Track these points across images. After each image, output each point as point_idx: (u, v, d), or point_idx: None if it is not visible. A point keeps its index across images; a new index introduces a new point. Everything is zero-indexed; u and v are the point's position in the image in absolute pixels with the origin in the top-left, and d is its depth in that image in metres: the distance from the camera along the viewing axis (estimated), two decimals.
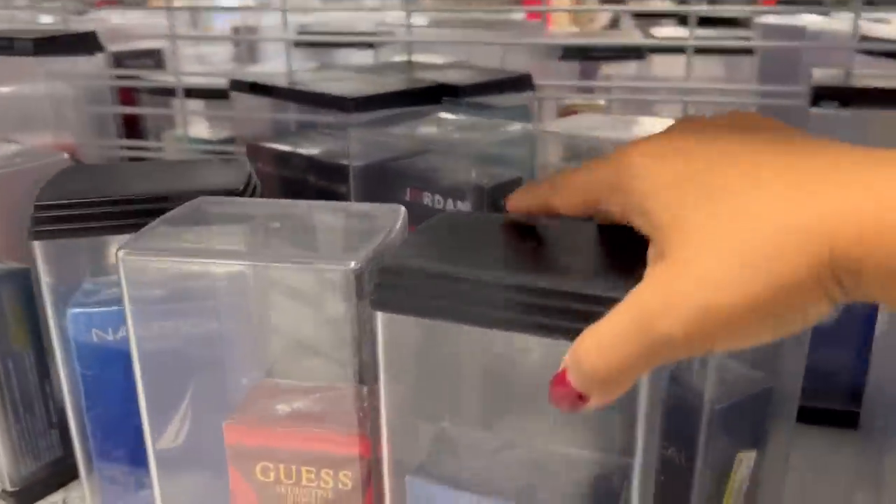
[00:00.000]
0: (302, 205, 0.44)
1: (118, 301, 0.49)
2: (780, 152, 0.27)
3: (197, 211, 0.43)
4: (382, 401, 0.35)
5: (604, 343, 0.27)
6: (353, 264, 0.35)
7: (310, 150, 0.74)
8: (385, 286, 0.33)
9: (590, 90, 1.07)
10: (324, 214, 0.44)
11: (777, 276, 0.24)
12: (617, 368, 0.27)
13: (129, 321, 0.39)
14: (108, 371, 0.50)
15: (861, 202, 0.24)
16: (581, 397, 0.28)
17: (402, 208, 0.43)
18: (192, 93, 1.02)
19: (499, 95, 0.79)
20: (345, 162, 0.67)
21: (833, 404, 0.62)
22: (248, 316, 0.44)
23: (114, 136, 0.86)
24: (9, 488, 0.57)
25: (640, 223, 0.30)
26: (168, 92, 1.12)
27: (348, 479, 0.42)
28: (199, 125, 1.11)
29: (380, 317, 0.33)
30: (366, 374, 0.38)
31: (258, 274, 0.39)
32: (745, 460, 0.42)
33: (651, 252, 0.30)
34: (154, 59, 1.25)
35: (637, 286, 0.27)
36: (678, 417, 0.40)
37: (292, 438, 0.42)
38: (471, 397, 0.40)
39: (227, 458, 0.43)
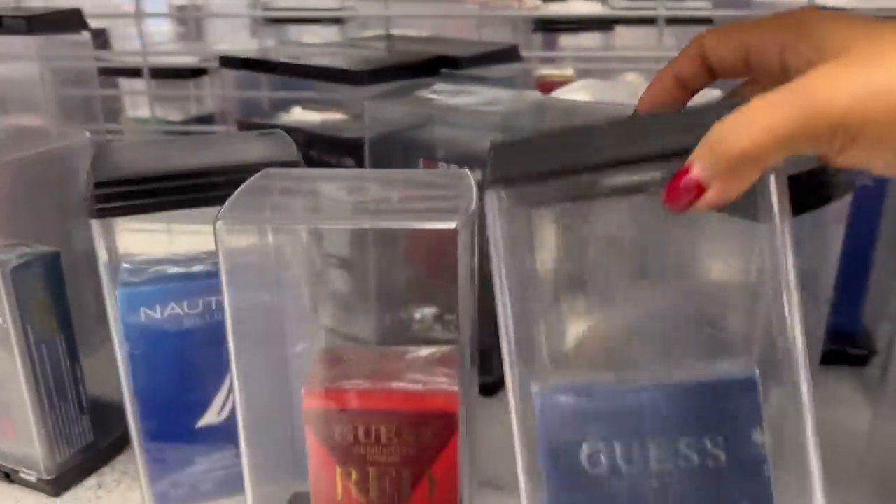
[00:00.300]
0: (368, 173, 0.45)
1: (164, 280, 0.50)
2: None
3: (269, 181, 0.43)
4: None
5: (756, 116, 0.28)
6: (459, 222, 0.37)
7: (310, 125, 0.74)
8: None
9: (581, 59, 1.09)
10: (395, 181, 0.45)
11: None
12: (758, 148, 0.27)
13: (226, 292, 0.38)
14: (157, 350, 0.50)
15: None
16: (700, 188, 0.29)
17: (468, 172, 0.44)
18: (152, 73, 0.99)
19: (490, 67, 0.81)
20: (358, 135, 0.67)
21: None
22: (345, 278, 0.45)
23: (97, 118, 0.83)
24: (45, 476, 0.56)
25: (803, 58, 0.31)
26: (117, 72, 1.09)
27: (427, 435, 0.44)
28: (146, 107, 1.08)
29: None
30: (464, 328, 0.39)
31: (358, 236, 0.39)
32: None
33: None
34: (100, 39, 1.21)
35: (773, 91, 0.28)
36: None
37: (371, 399, 0.44)
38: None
39: (305, 422, 0.44)
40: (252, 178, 0.42)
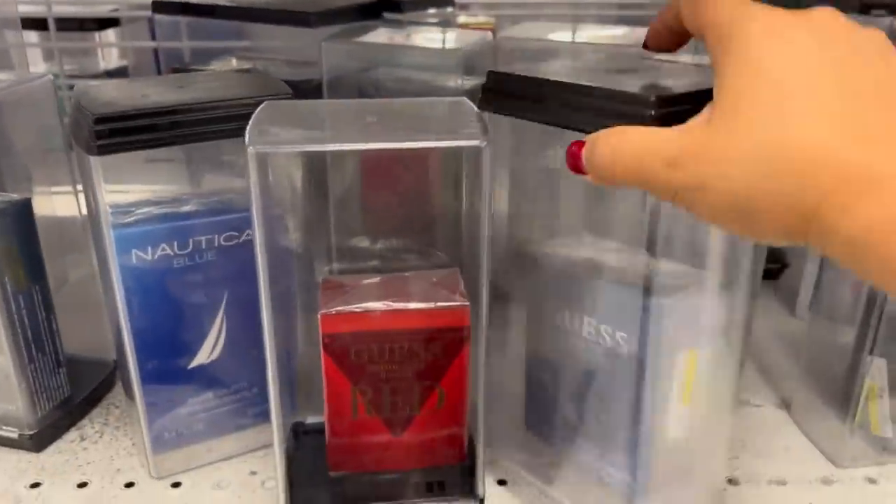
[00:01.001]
0: (368, 104, 0.46)
1: (154, 220, 0.50)
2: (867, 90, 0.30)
3: (275, 113, 0.44)
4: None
5: (616, 149, 0.34)
6: (484, 140, 0.40)
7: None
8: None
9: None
10: (401, 107, 0.47)
11: (763, 202, 0.30)
12: (610, 170, 0.34)
13: (257, 220, 0.39)
14: (149, 292, 0.50)
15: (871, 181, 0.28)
16: (581, 169, 0.36)
17: (466, 99, 0.46)
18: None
19: (426, 11, 0.83)
20: (315, 77, 0.68)
21: None
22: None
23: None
24: (26, 432, 0.55)
25: (712, 58, 0.34)
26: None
27: (438, 349, 0.47)
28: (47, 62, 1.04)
29: None
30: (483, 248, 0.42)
31: (381, 157, 0.41)
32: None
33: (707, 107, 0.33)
34: None
35: (672, 128, 0.33)
36: None
37: (385, 319, 0.46)
38: None
39: (322, 347, 0.46)
40: (258, 110, 0.43)
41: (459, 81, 0.64)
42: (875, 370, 0.52)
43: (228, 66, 0.79)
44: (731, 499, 0.52)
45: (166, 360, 0.52)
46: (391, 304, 0.46)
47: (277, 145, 0.38)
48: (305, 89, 0.70)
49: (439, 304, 0.46)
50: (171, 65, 0.85)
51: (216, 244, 0.50)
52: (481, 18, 1.15)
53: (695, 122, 0.33)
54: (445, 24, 0.84)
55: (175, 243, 0.50)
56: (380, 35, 0.70)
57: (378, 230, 0.52)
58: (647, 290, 0.43)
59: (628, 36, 0.74)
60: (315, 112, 0.45)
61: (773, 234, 0.31)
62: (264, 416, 0.51)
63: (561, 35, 0.71)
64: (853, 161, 0.28)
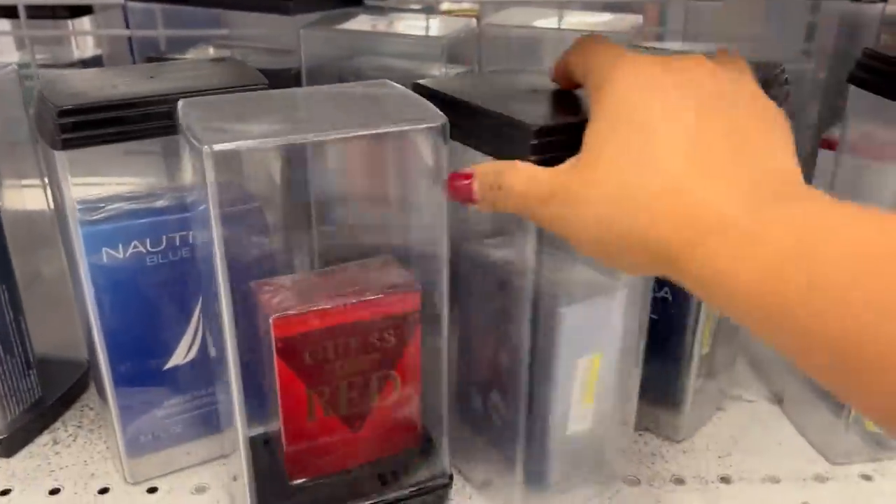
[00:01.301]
0: (324, 89, 0.45)
1: (125, 217, 0.48)
2: (721, 142, 0.32)
3: (236, 103, 0.42)
4: None
5: (503, 183, 0.37)
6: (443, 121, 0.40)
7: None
8: None
9: None
10: (350, 93, 0.45)
11: (618, 241, 0.32)
12: (501, 204, 0.37)
13: (214, 221, 0.38)
14: (121, 291, 0.48)
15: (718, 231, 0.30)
16: (471, 198, 0.39)
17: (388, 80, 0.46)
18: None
19: None
20: (294, 65, 0.66)
21: None
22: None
23: None
24: None
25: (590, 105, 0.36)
26: None
27: (392, 336, 0.46)
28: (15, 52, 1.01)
29: None
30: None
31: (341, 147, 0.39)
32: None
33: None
34: None
35: (551, 168, 0.36)
36: None
37: (339, 314, 0.44)
38: None
39: (275, 352, 0.44)
40: (179, 107, 0.41)
41: (443, 70, 0.63)
42: None
43: (205, 54, 0.77)
44: (724, 497, 0.51)
45: (140, 362, 0.50)
46: (344, 298, 0.44)
47: (234, 143, 0.36)
48: (284, 78, 0.68)
49: (391, 291, 0.45)
50: (147, 53, 0.83)
51: (192, 241, 0.49)
52: (465, 5, 1.13)
53: (567, 164, 0.35)
54: (428, 10, 0.82)
55: (148, 241, 0.48)
56: (361, 22, 0.68)
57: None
58: (554, 297, 0.44)
59: (614, 23, 0.73)
60: (266, 102, 0.43)
61: (634, 269, 0.35)
62: (263, 417, 0.50)
63: (546, 22, 0.69)
64: (701, 201, 0.30)
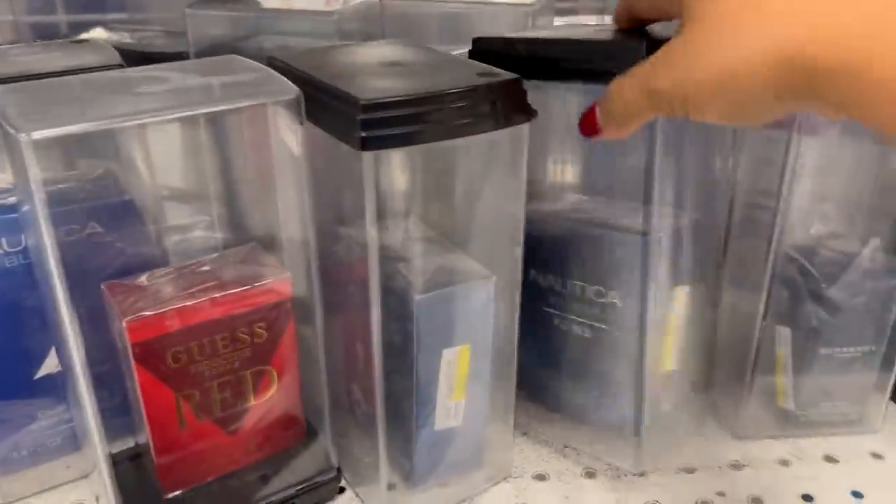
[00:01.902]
0: (170, 66, 0.42)
1: None
2: None
3: (70, 87, 0.39)
4: None
5: (619, 90, 0.36)
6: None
7: (125, 44, 0.68)
8: None
9: None
10: (197, 70, 0.42)
11: (743, 75, 0.30)
12: (624, 110, 0.36)
13: (41, 218, 0.34)
14: None
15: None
16: (597, 129, 0.37)
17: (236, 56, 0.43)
18: None
19: None
20: (178, 51, 0.62)
21: None
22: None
23: None
24: None
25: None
26: None
27: (263, 329, 0.43)
28: None
29: None
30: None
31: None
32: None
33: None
34: None
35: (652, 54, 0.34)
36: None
37: (201, 311, 0.41)
38: None
39: (133, 358, 0.41)
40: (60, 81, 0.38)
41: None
42: (783, 340, 0.49)
43: (100, 35, 0.73)
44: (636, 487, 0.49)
45: (8, 371, 0.47)
46: (206, 293, 0.41)
47: (53, 129, 0.32)
48: (173, 61, 0.64)
49: (259, 280, 0.42)
50: (49, 37, 0.79)
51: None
52: None
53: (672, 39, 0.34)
54: None
55: (4, 240, 0.45)
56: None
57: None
58: (409, 284, 0.43)
59: None
60: (74, 87, 0.40)
61: (766, 103, 0.31)
62: (130, 428, 0.47)
63: None
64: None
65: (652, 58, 0.34)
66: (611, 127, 0.37)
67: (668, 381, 0.50)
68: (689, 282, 0.48)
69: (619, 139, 0.38)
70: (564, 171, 0.50)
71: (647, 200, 0.44)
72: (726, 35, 0.31)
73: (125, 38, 0.73)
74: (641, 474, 0.50)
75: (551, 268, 0.49)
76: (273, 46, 0.64)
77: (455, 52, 0.63)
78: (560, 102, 0.46)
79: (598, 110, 0.37)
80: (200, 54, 0.61)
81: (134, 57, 0.67)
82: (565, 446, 0.53)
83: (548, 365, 0.52)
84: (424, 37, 0.68)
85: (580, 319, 0.49)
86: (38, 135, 0.32)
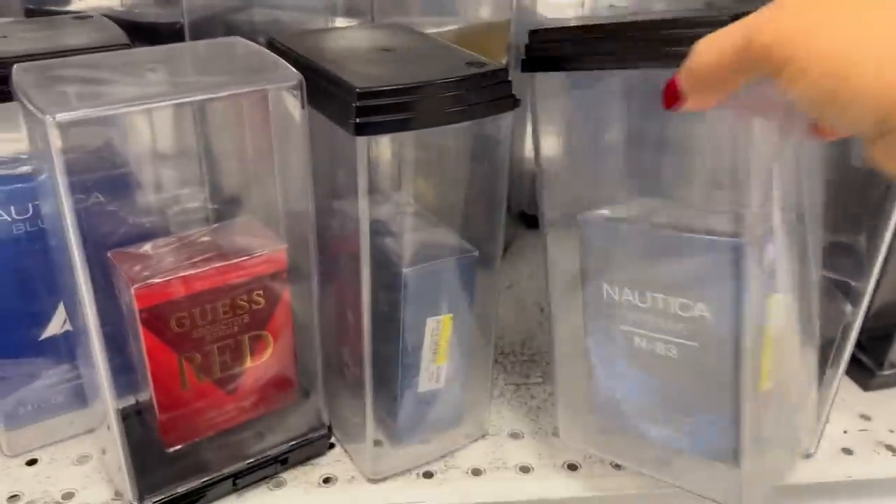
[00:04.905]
0: (175, 48, 0.46)
1: None
2: None
3: (83, 66, 0.42)
4: None
5: (710, 45, 0.33)
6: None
7: (115, 11, 0.71)
8: None
9: None
10: (201, 52, 0.46)
11: (862, 69, 0.29)
12: (715, 67, 0.33)
13: (63, 195, 0.38)
14: None
15: None
16: (680, 98, 0.35)
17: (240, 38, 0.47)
18: None
19: None
20: (173, 20, 0.65)
21: None
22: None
23: None
24: None
25: None
26: None
27: (261, 296, 0.47)
28: None
29: None
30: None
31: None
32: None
33: None
34: None
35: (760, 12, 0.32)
36: None
37: (204, 279, 0.45)
38: None
39: (140, 323, 0.45)
40: (14, 72, 0.41)
41: (329, 22, 0.63)
42: None
43: (84, 5, 0.75)
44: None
45: (14, 333, 0.51)
46: (208, 262, 0.45)
47: (79, 112, 0.36)
48: (169, 32, 0.67)
49: (257, 251, 0.46)
50: (27, 4, 0.81)
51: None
52: None
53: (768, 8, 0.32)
54: None
55: (12, 208, 0.48)
56: None
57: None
58: (399, 258, 0.46)
59: None
60: (111, 66, 0.43)
61: (865, 108, 0.29)
62: (132, 387, 0.51)
63: None
64: None
65: (756, 12, 0.32)
66: (695, 91, 0.35)
67: (767, 402, 0.45)
68: (786, 290, 0.45)
69: (703, 109, 0.36)
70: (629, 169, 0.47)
71: (739, 198, 0.40)
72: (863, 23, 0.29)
73: (116, 5, 0.75)
74: None
75: (627, 280, 0.45)
76: (265, 20, 0.67)
77: (446, 28, 0.67)
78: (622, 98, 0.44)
79: (682, 75, 0.35)
80: (193, 25, 0.64)
81: (126, 26, 0.70)
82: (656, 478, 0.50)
83: (628, 390, 0.48)
84: (412, 8, 0.71)
85: (665, 337, 0.45)
86: (62, 117, 0.36)
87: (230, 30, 0.66)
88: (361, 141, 0.39)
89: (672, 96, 0.36)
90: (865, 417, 0.59)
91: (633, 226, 0.44)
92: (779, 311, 0.44)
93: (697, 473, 0.47)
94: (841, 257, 0.50)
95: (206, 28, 0.65)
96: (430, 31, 0.69)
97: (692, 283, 0.42)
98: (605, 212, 0.45)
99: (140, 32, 0.70)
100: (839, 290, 0.51)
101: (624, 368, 0.47)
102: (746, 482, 0.45)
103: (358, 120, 0.38)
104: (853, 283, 0.51)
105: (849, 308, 0.51)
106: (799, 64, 0.30)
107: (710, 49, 0.33)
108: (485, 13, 0.71)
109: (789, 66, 0.30)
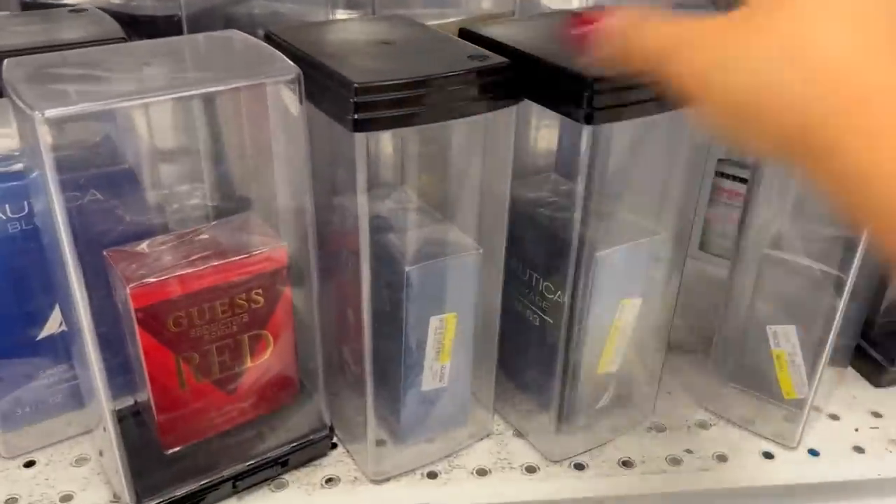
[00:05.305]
0: (172, 41, 0.45)
1: None
2: None
3: (75, 61, 0.41)
4: None
5: (641, 40, 0.34)
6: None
7: (113, 5, 0.70)
8: None
9: None
10: (198, 45, 0.45)
11: (770, 102, 0.30)
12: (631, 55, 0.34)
13: (53, 189, 0.37)
14: None
15: None
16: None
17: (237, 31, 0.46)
18: None
19: None
20: (172, 13, 0.64)
21: None
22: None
23: None
24: None
25: None
26: None
27: (261, 295, 0.47)
28: None
29: None
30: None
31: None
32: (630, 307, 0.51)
33: None
34: None
35: (688, 21, 0.33)
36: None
37: (201, 278, 0.45)
38: None
39: (136, 322, 0.44)
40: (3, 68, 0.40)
41: (329, 14, 0.62)
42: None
43: None
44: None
45: (11, 333, 0.50)
46: (206, 261, 0.44)
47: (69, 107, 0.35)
48: (167, 25, 0.66)
49: (256, 249, 0.45)
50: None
51: None
52: None
53: (725, 17, 0.32)
54: None
55: (7, 206, 0.47)
56: None
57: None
58: (403, 256, 0.46)
59: None
60: (104, 60, 0.42)
61: (768, 140, 0.31)
62: (131, 387, 0.50)
63: None
64: (876, 84, 0.28)
65: (702, 20, 0.33)
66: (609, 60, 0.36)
67: (601, 383, 0.53)
68: (637, 294, 0.51)
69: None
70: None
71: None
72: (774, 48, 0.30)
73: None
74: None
75: (519, 254, 0.51)
76: (264, 12, 0.66)
77: (448, 20, 0.66)
78: None
79: (607, 33, 0.36)
80: (192, 19, 0.63)
81: (124, 19, 0.69)
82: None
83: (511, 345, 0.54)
84: (413, 0, 0.70)
85: (532, 307, 0.52)
86: (51, 113, 0.35)
87: (229, 22, 0.65)
88: (360, 137, 0.38)
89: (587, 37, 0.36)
90: (877, 415, 0.58)
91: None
92: (627, 312, 0.50)
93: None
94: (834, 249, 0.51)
95: (204, 21, 0.64)
96: (432, 23, 0.69)
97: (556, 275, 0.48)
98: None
99: (138, 25, 0.69)
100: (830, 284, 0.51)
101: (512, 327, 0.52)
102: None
103: (356, 116, 0.37)
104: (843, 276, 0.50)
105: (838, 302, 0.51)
106: (706, 106, 0.31)
107: (639, 41, 0.34)
108: (487, 4, 0.70)
109: (697, 104, 0.32)
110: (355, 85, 0.38)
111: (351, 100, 0.38)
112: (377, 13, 0.68)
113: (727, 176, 0.71)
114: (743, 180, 0.69)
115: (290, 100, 0.40)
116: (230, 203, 0.51)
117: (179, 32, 0.64)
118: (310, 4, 0.64)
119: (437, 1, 0.69)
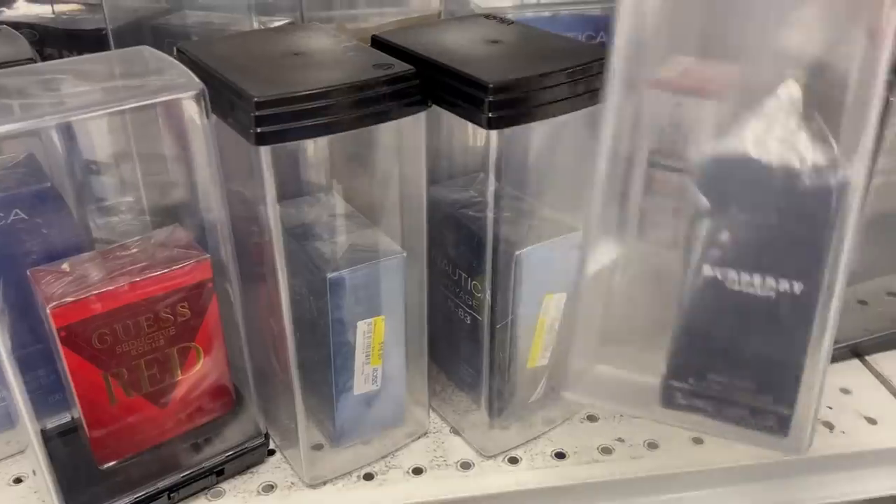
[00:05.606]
0: (81, 60, 0.45)
1: None
2: None
3: None
4: None
5: None
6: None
7: (42, 18, 0.70)
8: None
9: None
10: (106, 63, 0.45)
11: None
12: None
13: None
14: None
15: None
16: None
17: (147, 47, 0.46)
18: None
19: None
20: (100, 26, 0.64)
21: None
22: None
23: None
24: None
25: None
26: None
27: (186, 308, 0.47)
28: None
29: None
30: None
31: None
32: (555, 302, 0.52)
33: None
34: None
35: None
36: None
37: (123, 294, 0.45)
38: None
39: (60, 341, 0.44)
40: None
41: (255, 23, 0.62)
42: None
43: (28, 9, 0.74)
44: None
45: None
46: (128, 277, 0.45)
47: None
48: (93, 39, 0.66)
49: (178, 263, 0.46)
50: None
51: None
52: None
53: None
54: None
55: None
56: None
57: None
58: (325, 262, 0.47)
59: None
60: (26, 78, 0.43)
61: None
62: (66, 404, 0.50)
63: None
64: None
65: None
66: None
67: (533, 377, 0.54)
68: (561, 290, 0.51)
69: None
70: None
71: None
72: None
73: (47, 12, 0.74)
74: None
75: (447, 254, 0.53)
76: (192, 23, 0.66)
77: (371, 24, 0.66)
78: None
79: None
80: (118, 32, 0.63)
81: (56, 34, 0.69)
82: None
83: (446, 343, 0.56)
84: (344, 4, 0.70)
85: (463, 306, 0.53)
86: None
87: (157, 34, 0.66)
88: (264, 150, 0.39)
89: None
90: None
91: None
92: (552, 307, 0.51)
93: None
94: None
95: (130, 34, 0.64)
96: (362, 25, 0.69)
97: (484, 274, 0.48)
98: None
99: (70, 41, 0.70)
100: None
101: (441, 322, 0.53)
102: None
103: (259, 129, 0.38)
104: None
105: None
106: None
107: None
108: (416, 4, 0.71)
109: None
110: (255, 99, 0.38)
111: (252, 114, 0.38)
112: (305, 20, 0.68)
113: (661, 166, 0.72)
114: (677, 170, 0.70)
115: (196, 114, 0.41)
116: (156, 217, 0.52)
117: (107, 47, 0.64)
118: (236, 12, 0.65)
119: (364, 3, 0.69)
